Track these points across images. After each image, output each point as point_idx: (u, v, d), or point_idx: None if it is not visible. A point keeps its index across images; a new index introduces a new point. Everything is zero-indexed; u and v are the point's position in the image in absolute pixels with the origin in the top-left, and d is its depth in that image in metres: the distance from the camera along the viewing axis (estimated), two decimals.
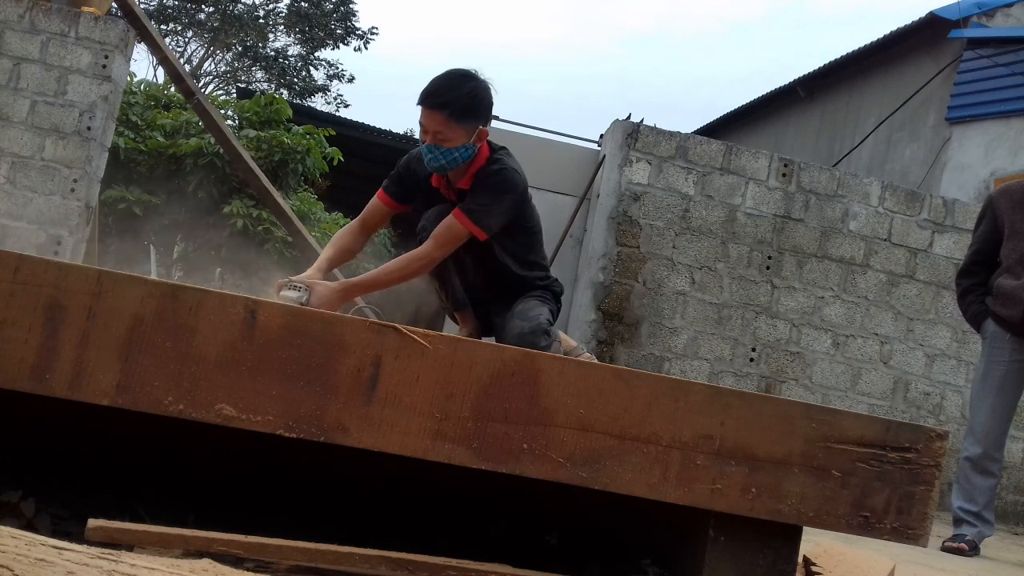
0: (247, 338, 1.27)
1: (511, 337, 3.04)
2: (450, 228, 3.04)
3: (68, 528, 1.39)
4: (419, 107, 2.98)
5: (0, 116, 6.07)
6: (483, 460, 1.32)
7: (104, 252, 7.03)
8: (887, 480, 1.42)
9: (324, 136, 8.34)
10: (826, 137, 12.47)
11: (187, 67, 17.88)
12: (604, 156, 6.39)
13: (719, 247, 6.12)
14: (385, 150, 10.53)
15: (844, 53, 12.02)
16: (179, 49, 20.67)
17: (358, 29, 21.52)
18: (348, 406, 1.29)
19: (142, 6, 13.48)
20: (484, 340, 3.16)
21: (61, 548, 1.03)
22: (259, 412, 1.26)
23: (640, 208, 6.07)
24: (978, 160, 9.79)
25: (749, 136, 13.93)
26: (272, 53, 21.58)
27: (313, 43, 21.58)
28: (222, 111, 8.51)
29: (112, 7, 6.59)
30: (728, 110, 14.96)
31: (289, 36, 21.71)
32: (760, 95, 13.94)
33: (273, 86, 20.93)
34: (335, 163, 8.39)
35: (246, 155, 6.56)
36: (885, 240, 6.24)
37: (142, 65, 39.41)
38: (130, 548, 1.22)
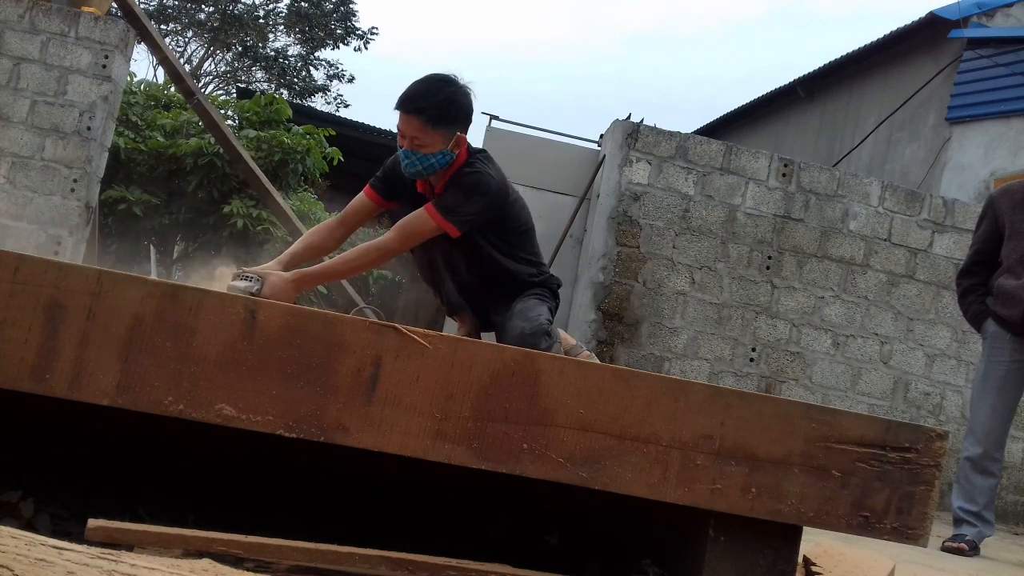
0: (247, 338, 1.27)
1: (512, 338, 3.01)
2: (416, 220, 2.98)
3: (68, 528, 1.39)
4: (396, 112, 2.94)
5: (0, 116, 6.07)
6: (483, 460, 1.32)
7: (104, 252, 7.03)
8: (887, 480, 1.42)
9: (324, 136, 8.35)
10: (826, 137, 12.47)
11: (187, 67, 17.88)
12: (604, 156, 6.39)
13: (719, 247, 6.12)
14: (385, 150, 10.42)
15: (844, 53, 12.02)
16: (179, 49, 20.67)
17: (358, 29, 21.51)
18: (348, 406, 1.29)
19: (142, 6, 13.49)
20: (483, 337, 3.17)
21: (61, 548, 1.03)
22: (259, 412, 1.26)
23: (640, 208, 6.07)
24: (978, 160, 9.78)
25: (749, 136, 13.93)
26: (272, 53, 21.57)
27: (313, 43, 21.56)
28: (222, 111, 8.51)
29: (112, 7, 6.59)
30: (728, 110, 14.97)
31: (289, 36, 21.70)
32: (760, 95, 13.94)
33: (273, 86, 20.92)
34: (335, 163, 8.40)
35: (246, 155, 6.56)
36: (885, 240, 6.24)
37: (142, 65, 39.41)
38: (130, 548, 1.22)
